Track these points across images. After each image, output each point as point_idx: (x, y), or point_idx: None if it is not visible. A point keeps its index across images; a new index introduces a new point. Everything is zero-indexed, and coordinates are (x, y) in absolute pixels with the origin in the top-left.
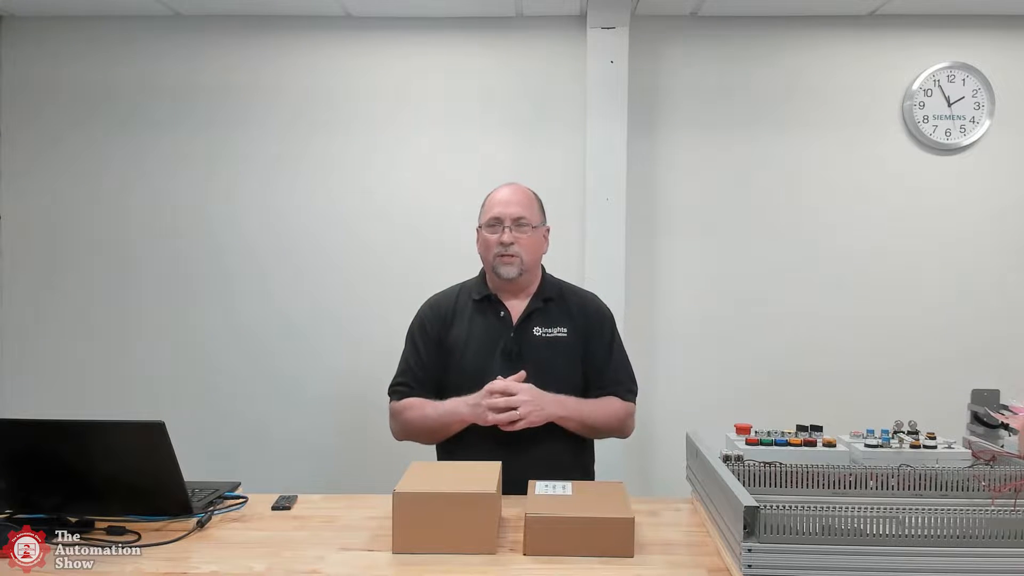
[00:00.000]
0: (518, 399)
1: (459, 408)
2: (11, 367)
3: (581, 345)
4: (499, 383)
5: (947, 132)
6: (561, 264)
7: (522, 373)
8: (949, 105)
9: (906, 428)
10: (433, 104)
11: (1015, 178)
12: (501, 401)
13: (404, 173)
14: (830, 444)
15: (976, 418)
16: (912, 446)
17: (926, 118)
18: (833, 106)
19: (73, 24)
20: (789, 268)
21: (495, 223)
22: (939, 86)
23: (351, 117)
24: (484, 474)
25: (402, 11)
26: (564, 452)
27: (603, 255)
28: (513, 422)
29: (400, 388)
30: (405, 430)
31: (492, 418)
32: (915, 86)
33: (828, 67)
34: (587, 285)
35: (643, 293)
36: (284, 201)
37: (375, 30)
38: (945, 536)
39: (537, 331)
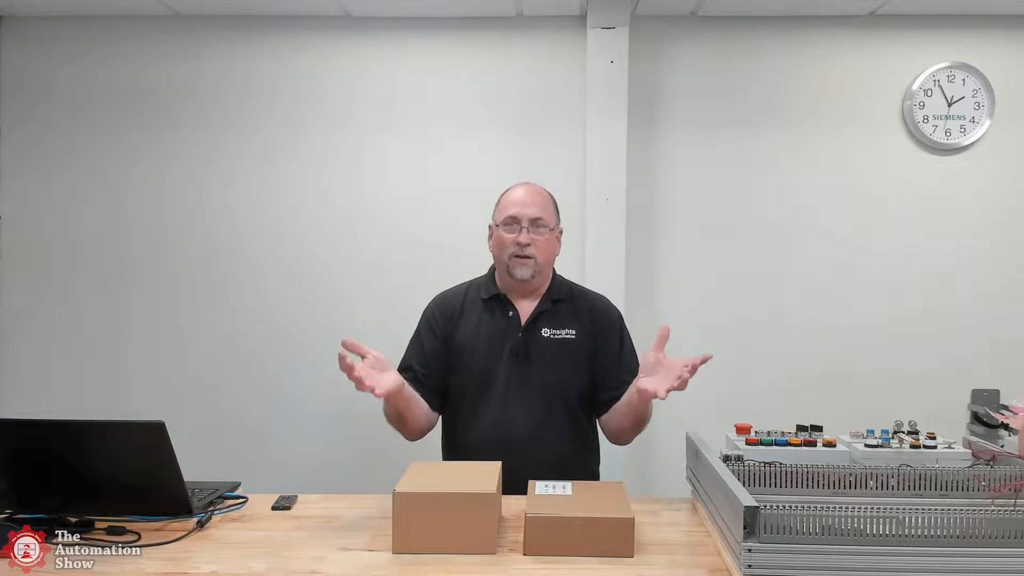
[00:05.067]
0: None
1: None
2: (11, 367)
3: (589, 348)
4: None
5: (947, 132)
6: (561, 264)
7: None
8: (949, 105)
9: (906, 428)
10: (433, 104)
11: (1015, 178)
12: None
13: (403, 173)
14: (830, 444)
15: (976, 418)
16: (912, 446)
17: (926, 118)
18: (833, 106)
19: (73, 24)
20: (789, 268)
21: (512, 222)
22: (939, 86)
23: (350, 117)
24: (484, 474)
25: (402, 11)
26: (569, 452)
27: (603, 255)
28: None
29: None
30: (390, 422)
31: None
32: (915, 86)
33: (828, 67)
34: (587, 285)
35: (643, 293)
36: (282, 201)
37: (375, 30)
38: (945, 536)
39: (545, 332)
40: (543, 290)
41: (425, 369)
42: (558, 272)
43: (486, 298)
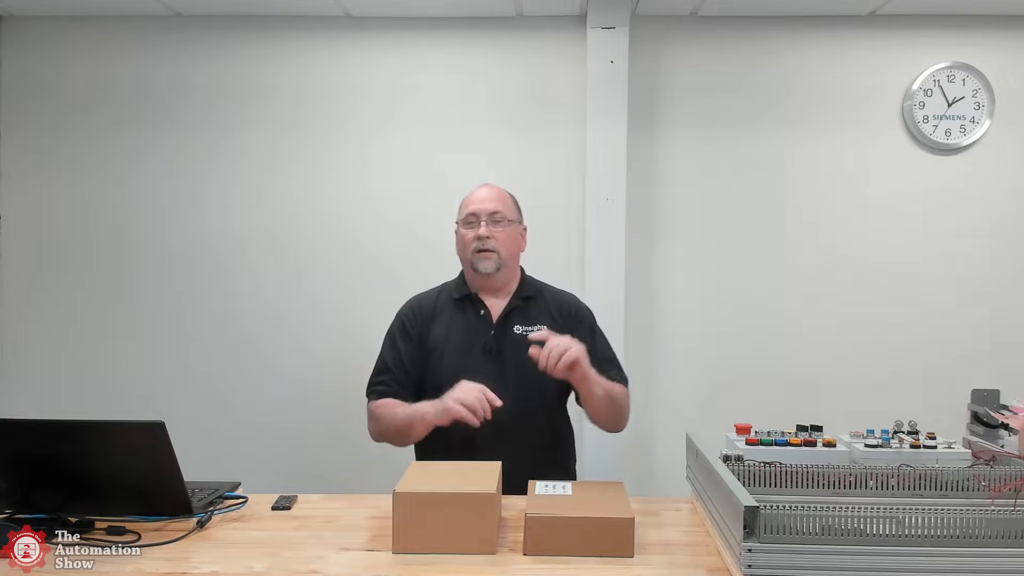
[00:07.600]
0: (563, 342)
1: (424, 408)
2: (11, 367)
3: None
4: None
5: (947, 132)
6: (561, 264)
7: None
8: (949, 105)
9: (906, 428)
10: (432, 104)
11: (1015, 178)
12: (472, 397)
13: (403, 173)
14: (830, 444)
15: (976, 418)
16: (912, 446)
17: (926, 118)
18: (833, 106)
19: (73, 24)
20: (789, 268)
21: (471, 219)
22: (939, 86)
23: (350, 117)
24: (484, 474)
25: (402, 11)
26: (546, 450)
27: (603, 255)
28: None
29: (379, 388)
30: (379, 430)
31: (456, 410)
32: (915, 86)
33: (828, 67)
34: (587, 285)
35: (643, 293)
36: (282, 201)
37: (375, 30)
38: (945, 536)
39: (517, 329)
40: (512, 288)
41: (402, 372)
42: (559, 271)
43: (457, 298)
